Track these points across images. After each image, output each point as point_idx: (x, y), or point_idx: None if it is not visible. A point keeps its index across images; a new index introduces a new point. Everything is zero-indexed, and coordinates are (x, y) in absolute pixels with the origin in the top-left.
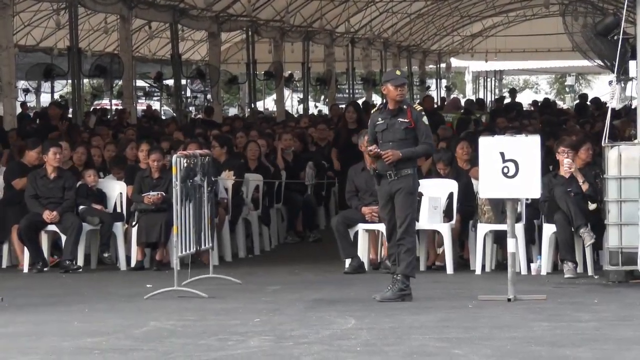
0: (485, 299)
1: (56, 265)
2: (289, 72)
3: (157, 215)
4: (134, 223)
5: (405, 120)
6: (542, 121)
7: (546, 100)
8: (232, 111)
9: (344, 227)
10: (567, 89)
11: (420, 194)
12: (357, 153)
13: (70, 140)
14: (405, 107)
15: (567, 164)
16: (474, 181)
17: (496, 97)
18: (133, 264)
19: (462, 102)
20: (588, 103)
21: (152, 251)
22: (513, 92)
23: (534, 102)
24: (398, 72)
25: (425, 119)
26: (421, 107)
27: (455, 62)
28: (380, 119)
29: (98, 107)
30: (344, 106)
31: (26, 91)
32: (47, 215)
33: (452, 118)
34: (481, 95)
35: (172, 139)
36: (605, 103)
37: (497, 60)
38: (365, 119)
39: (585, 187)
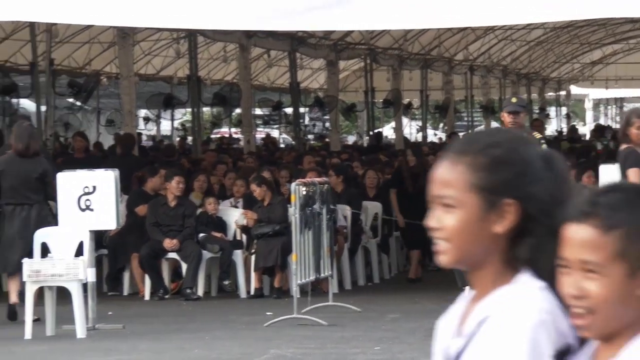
0: None
1: (177, 291)
2: (408, 99)
3: (273, 240)
4: (252, 251)
5: None
6: None
7: None
8: (351, 139)
9: None
10: None
11: None
12: (421, 197)
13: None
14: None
15: None
16: None
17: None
18: (252, 291)
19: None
20: None
21: (270, 278)
22: None
23: None
24: (514, 100)
25: (544, 147)
26: (541, 135)
27: (575, 89)
28: None
29: (217, 136)
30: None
31: (147, 120)
32: (168, 243)
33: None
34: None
35: (291, 167)
36: None
37: (617, 88)
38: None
39: None
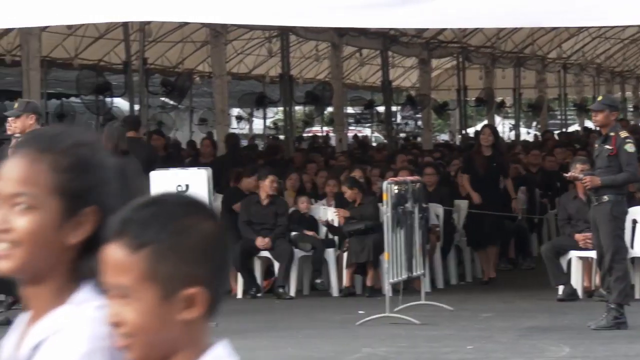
0: None
1: (270, 290)
2: (500, 98)
3: (365, 237)
4: (344, 248)
5: (609, 147)
6: None
7: None
8: (443, 137)
9: (553, 254)
10: None
11: (635, 221)
12: (492, 183)
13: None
14: (612, 134)
15: None
16: None
17: None
18: (343, 289)
19: None
20: None
21: (362, 277)
22: None
23: None
24: (599, 98)
25: (628, 146)
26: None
27: None
28: (596, 145)
29: (309, 134)
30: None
31: (239, 118)
32: (260, 241)
33: None
34: None
35: (382, 165)
36: None
37: None
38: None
39: None
